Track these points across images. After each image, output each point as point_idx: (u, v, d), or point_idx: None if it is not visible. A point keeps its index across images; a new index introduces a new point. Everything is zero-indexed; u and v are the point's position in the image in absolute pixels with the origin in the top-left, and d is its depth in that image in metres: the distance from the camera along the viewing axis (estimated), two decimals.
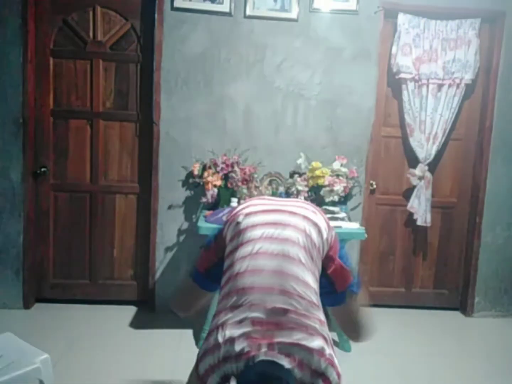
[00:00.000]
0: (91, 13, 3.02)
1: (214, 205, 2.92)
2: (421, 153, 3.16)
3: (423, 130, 3.14)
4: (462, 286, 3.41)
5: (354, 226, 2.70)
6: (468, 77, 3.09)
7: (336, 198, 2.87)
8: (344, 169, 2.92)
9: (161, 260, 3.13)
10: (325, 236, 1.36)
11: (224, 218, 2.59)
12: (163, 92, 3.01)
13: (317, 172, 2.85)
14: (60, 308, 3.10)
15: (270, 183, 3.01)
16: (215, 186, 2.84)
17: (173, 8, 2.95)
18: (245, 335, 1.08)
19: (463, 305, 3.39)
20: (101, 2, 3.01)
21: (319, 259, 1.34)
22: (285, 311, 1.14)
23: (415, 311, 3.36)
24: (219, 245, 1.41)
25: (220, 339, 1.09)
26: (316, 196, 2.90)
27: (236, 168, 2.86)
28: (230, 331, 1.10)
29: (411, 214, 3.24)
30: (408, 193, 3.27)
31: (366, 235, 2.66)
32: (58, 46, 3.04)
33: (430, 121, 3.12)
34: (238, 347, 1.06)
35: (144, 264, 3.18)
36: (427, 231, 3.34)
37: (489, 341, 3.00)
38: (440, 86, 3.11)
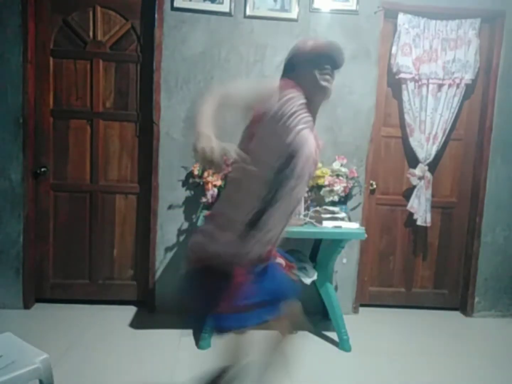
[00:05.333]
0: (91, 13, 3.02)
1: None
2: (421, 153, 3.16)
3: (423, 130, 3.14)
4: (462, 286, 3.42)
5: (354, 226, 2.70)
6: (468, 77, 3.10)
7: (336, 198, 2.87)
8: (344, 169, 2.92)
9: (161, 260, 3.13)
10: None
11: None
12: (163, 92, 3.01)
13: (317, 172, 2.85)
14: (60, 308, 3.11)
15: None
16: (215, 186, 2.84)
17: (173, 8, 2.95)
18: None
19: (463, 305, 3.39)
20: (101, 2, 3.01)
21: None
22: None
23: (415, 311, 3.36)
24: None
25: None
26: (316, 196, 2.90)
27: None
28: None
29: (411, 214, 3.24)
30: (408, 193, 3.27)
31: (366, 235, 2.66)
32: (58, 46, 3.04)
33: (430, 121, 3.12)
34: None
35: (144, 264, 3.18)
36: (427, 231, 3.34)
37: (489, 341, 3.00)
38: (440, 86, 3.11)
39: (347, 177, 2.92)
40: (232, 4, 2.96)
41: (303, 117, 1.39)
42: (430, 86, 3.10)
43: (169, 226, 3.11)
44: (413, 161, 3.23)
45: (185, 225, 3.11)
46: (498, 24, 3.13)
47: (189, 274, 1.52)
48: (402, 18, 3.06)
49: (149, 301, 3.16)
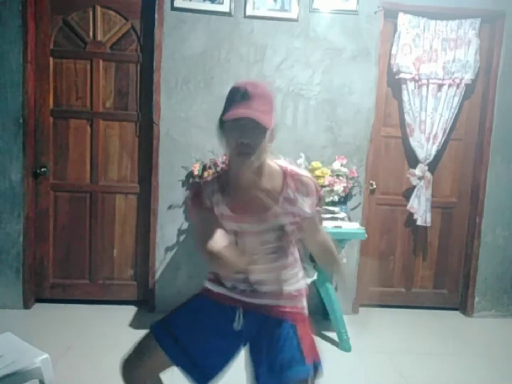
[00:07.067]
0: (91, 13, 3.02)
1: None
2: (421, 153, 3.16)
3: (423, 130, 3.14)
4: (462, 286, 3.42)
5: (354, 226, 2.70)
6: (468, 77, 3.10)
7: (336, 198, 2.87)
8: (344, 169, 2.92)
9: (161, 260, 3.13)
10: None
11: None
12: (163, 92, 3.01)
13: (317, 172, 2.85)
14: (60, 308, 3.10)
15: None
16: None
17: (173, 8, 2.95)
18: None
19: (463, 305, 3.39)
20: (101, 2, 3.01)
21: None
22: None
23: (415, 311, 3.36)
24: None
25: None
26: None
27: None
28: None
29: (411, 214, 3.24)
30: (408, 193, 3.27)
31: (366, 235, 2.66)
32: (58, 46, 3.04)
33: (430, 121, 3.12)
34: None
35: (144, 264, 3.18)
36: (427, 231, 3.34)
37: (489, 341, 3.00)
38: (440, 86, 3.11)
39: (347, 177, 2.91)
40: (232, 4, 2.96)
41: None
42: (430, 86, 3.10)
43: (169, 226, 3.11)
44: (413, 161, 3.23)
45: (185, 225, 3.11)
46: (498, 24, 3.13)
47: None
48: (402, 18, 3.06)
49: (149, 301, 3.16)
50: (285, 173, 1.35)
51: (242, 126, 1.22)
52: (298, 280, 1.44)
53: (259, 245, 1.34)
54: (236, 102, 1.23)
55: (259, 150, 1.26)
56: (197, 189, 1.43)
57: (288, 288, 1.41)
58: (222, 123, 1.28)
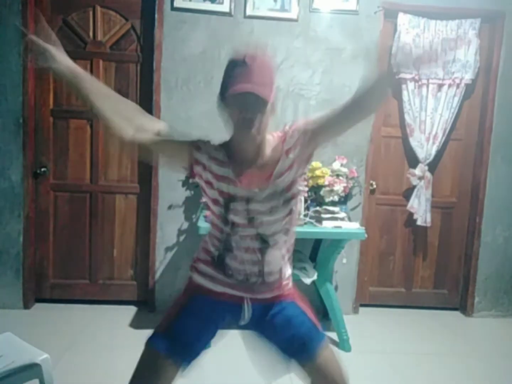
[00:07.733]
0: (91, 13, 3.02)
1: None
2: (421, 153, 3.16)
3: (423, 130, 3.14)
4: (462, 286, 3.42)
5: (354, 226, 2.70)
6: (468, 77, 3.10)
7: (336, 198, 2.87)
8: (344, 169, 2.92)
9: (161, 260, 3.13)
10: None
11: None
12: (163, 92, 3.01)
13: (317, 172, 2.85)
14: (60, 308, 3.11)
15: None
16: None
17: (173, 8, 2.95)
18: None
19: (463, 305, 3.39)
20: (101, 2, 3.01)
21: None
22: None
23: (415, 311, 3.36)
24: None
25: None
26: (316, 196, 2.91)
27: None
28: None
29: (411, 214, 3.24)
30: (408, 193, 3.27)
31: (366, 235, 2.66)
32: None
33: (430, 121, 3.12)
34: None
35: (144, 264, 3.18)
36: (427, 231, 3.34)
37: (489, 341, 3.00)
38: (440, 86, 3.11)
39: (347, 177, 2.92)
40: (232, 4, 2.96)
41: None
42: (430, 86, 3.10)
43: (169, 226, 3.11)
44: (413, 161, 3.23)
45: (185, 225, 3.11)
46: (498, 24, 3.13)
47: None
48: (402, 18, 3.06)
49: (149, 301, 3.16)
50: (281, 138, 1.44)
51: (244, 100, 1.24)
52: (288, 264, 1.52)
53: (268, 214, 1.36)
54: (236, 76, 1.24)
55: (261, 124, 1.31)
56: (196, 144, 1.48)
57: (286, 273, 1.49)
58: (223, 97, 1.31)
